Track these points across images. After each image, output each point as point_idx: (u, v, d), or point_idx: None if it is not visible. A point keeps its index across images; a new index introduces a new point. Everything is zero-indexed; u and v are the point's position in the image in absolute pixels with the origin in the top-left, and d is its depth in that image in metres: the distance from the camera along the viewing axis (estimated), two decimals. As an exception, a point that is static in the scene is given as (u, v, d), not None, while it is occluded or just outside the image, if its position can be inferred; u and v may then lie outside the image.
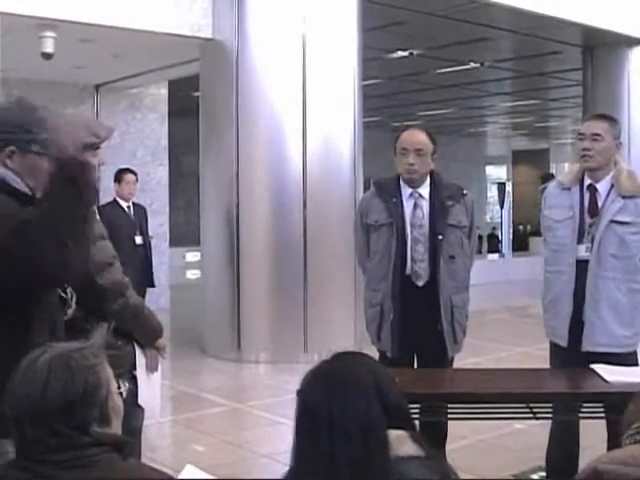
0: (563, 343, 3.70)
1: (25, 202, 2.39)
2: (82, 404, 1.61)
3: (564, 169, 22.11)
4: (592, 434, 3.80)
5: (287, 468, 1.72)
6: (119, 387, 1.79)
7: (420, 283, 3.81)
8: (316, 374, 1.67)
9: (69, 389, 1.59)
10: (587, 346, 3.65)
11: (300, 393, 1.64)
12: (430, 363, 3.72)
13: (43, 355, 1.65)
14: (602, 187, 3.70)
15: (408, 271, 3.81)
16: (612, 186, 3.68)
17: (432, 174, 3.91)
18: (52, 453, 1.58)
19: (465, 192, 3.97)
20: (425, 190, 3.89)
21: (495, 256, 19.99)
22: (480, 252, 21.34)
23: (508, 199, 27.05)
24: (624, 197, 3.64)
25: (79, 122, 2.94)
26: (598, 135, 3.65)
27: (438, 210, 3.84)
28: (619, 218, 3.63)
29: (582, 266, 3.65)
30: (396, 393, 1.66)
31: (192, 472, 2.13)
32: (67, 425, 1.59)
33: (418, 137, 3.87)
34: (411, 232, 3.82)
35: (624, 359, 3.64)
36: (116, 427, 1.70)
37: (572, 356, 3.66)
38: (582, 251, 3.66)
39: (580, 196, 3.71)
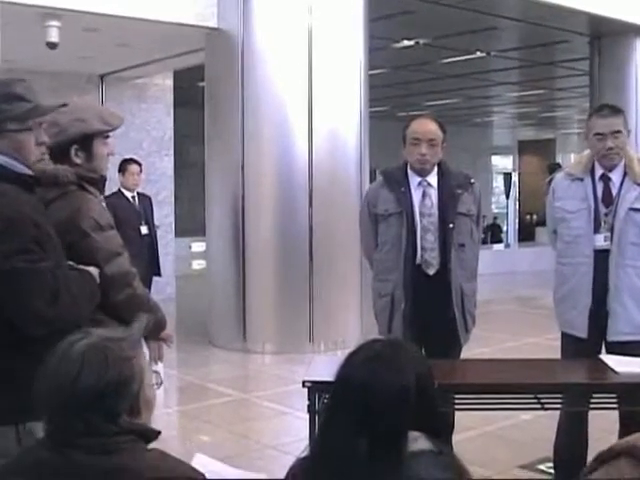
0: (582, 335, 3.66)
1: (29, 184, 2.37)
2: (113, 396, 1.60)
3: (570, 159, 22.04)
4: (600, 425, 3.78)
5: (294, 459, 1.72)
6: (154, 380, 1.77)
7: (431, 272, 3.79)
8: (360, 350, 1.68)
9: (101, 381, 1.59)
10: (612, 336, 3.63)
11: (342, 365, 1.66)
12: (441, 352, 3.69)
13: (79, 342, 1.64)
14: (615, 176, 3.67)
15: (418, 260, 3.80)
16: (625, 174, 3.66)
17: (440, 163, 3.90)
18: (79, 438, 1.59)
19: (473, 181, 3.95)
20: (433, 179, 3.87)
21: (501, 246, 19.94)
22: (484, 242, 21.36)
23: (514, 189, 27.01)
24: (639, 184, 3.62)
25: (91, 108, 2.92)
26: (619, 132, 3.62)
27: (447, 199, 3.82)
28: (637, 205, 3.61)
29: (600, 256, 3.62)
30: (432, 386, 1.68)
31: (202, 460, 2.13)
32: (97, 414, 1.59)
33: (430, 127, 3.84)
34: (420, 221, 3.80)
35: None
36: (146, 419, 1.70)
37: (587, 347, 3.63)
38: (600, 241, 3.63)
39: (593, 186, 3.68)
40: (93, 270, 2.54)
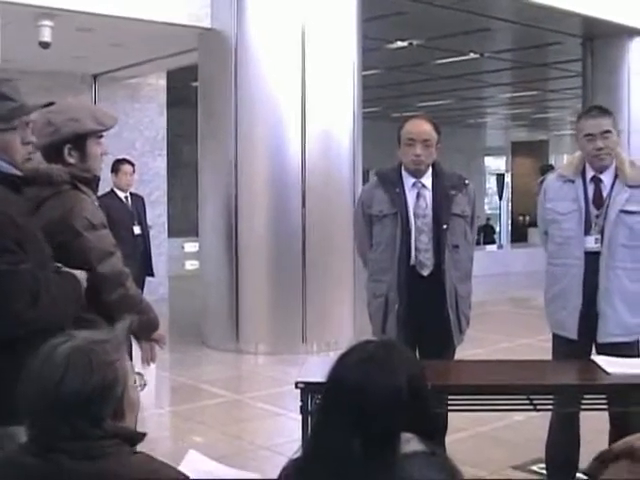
0: (572, 336, 3.66)
1: (16, 184, 2.35)
2: (97, 400, 1.59)
3: (563, 160, 22.08)
4: (592, 426, 3.79)
5: (287, 459, 1.71)
6: (137, 382, 1.76)
7: (425, 273, 3.79)
8: (353, 351, 1.67)
9: (86, 385, 1.57)
10: (602, 338, 3.63)
11: (334, 366, 1.65)
12: (435, 353, 3.69)
13: (63, 345, 1.62)
14: (606, 178, 3.67)
15: (412, 261, 3.80)
16: (616, 176, 3.66)
17: (434, 164, 3.90)
18: (63, 442, 1.57)
19: (467, 182, 3.95)
20: (428, 180, 3.87)
21: (494, 247, 19.97)
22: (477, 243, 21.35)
23: (507, 190, 27.06)
24: (630, 187, 3.62)
25: (85, 108, 2.91)
26: (608, 132, 3.62)
27: (441, 200, 3.82)
28: (628, 208, 3.61)
29: (590, 258, 3.62)
30: (425, 387, 1.67)
31: (195, 457, 2.13)
32: (80, 418, 1.58)
33: (424, 127, 3.84)
34: (415, 222, 3.81)
35: (634, 347, 3.62)
36: (130, 421, 1.68)
37: (578, 348, 3.63)
38: (590, 243, 3.63)
39: (584, 188, 3.69)
40: (78, 273, 2.51)
